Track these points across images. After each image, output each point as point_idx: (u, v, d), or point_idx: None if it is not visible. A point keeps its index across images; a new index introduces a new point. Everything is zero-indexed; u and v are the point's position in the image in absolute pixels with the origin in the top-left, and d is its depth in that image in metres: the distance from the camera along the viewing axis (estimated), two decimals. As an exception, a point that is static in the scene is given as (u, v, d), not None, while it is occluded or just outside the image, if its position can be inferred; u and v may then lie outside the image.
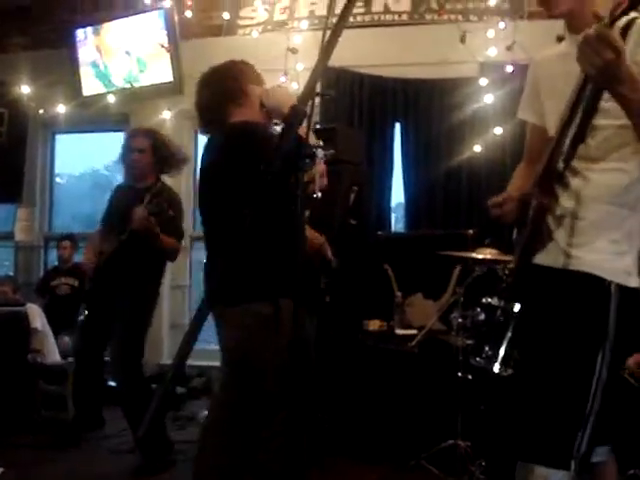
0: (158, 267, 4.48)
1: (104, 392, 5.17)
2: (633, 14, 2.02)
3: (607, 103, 1.94)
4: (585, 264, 2.04)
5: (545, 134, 2.30)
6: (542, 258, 2.15)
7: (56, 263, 6.35)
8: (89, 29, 6.43)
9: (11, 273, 6.84)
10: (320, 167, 3.21)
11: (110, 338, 4.38)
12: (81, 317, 4.68)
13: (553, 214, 2.11)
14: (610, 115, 1.96)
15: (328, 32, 1.53)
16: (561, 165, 2.07)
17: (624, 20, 1.88)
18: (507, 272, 2.36)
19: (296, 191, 1.30)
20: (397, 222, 6.15)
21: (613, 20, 1.75)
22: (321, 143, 1.31)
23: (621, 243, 2.05)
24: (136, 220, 4.13)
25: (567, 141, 2.04)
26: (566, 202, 2.10)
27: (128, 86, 6.31)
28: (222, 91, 2.91)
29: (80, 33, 6.45)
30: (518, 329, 2.32)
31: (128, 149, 4.47)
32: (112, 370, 4.44)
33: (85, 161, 11.85)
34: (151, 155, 4.46)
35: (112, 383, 5.12)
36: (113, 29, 6.35)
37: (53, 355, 5.44)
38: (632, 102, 1.83)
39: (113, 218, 4.47)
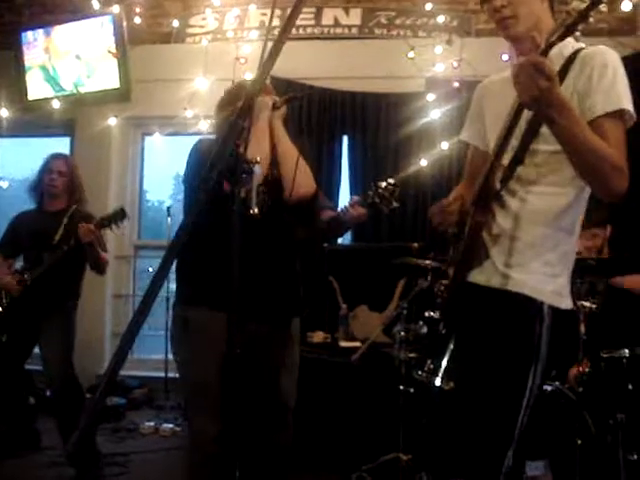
0: (81, 280, 4.56)
1: (38, 403, 5.12)
2: (578, 44, 2.08)
3: (546, 128, 1.97)
4: (519, 284, 2.07)
5: (486, 157, 2.33)
6: (477, 276, 2.17)
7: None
8: (39, 31, 6.31)
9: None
10: (358, 211, 3.39)
11: (30, 351, 4.45)
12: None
13: (490, 233, 2.13)
14: (549, 140, 2.00)
15: (269, 44, 1.50)
16: (498, 185, 2.10)
17: (570, 49, 1.92)
18: (442, 288, 2.38)
19: (232, 207, 1.29)
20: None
21: (549, 46, 1.79)
22: (259, 159, 1.30)
23: (555, 265, 2.09)
24: (85, 232, 4.16)
25: (504, 162, 2.08)
26: (503, 222, 2.12)
27: (75, 91, 6.21)
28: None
29: (28, 35, 6.34)
30: (456, 345, 2.34)
31: (48, 171, 4.50)
32: (50, 382, 4.41)
33: (27, 165, 11.64)
34: (69, 180, 4.52)
35: (48, 393, 5.07)
36: (61, 32, 6.25)
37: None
38: (562, 128, 1.87)
39: (23, 242, 4.49)
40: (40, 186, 4.52)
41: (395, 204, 3.46)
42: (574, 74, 2.00)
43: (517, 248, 2.10)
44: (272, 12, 1.43)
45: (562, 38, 1.78)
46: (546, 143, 2.02)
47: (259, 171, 1.34)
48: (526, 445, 2.08)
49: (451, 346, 3.54)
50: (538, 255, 2.08)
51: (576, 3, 1.78)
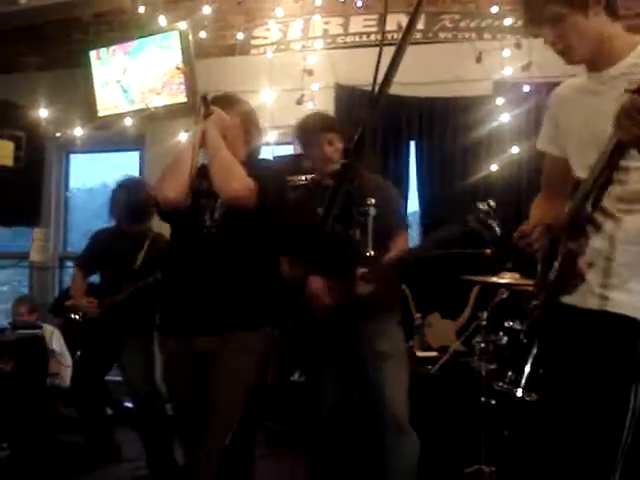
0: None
1: (115, 417, 5.22)
2: None
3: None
4: (617, 305, 2.04)
5: (565, 164, 2.31)
6: (572, 299, 2.15)
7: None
8: (106, 49, 6.45)
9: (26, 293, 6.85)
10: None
11: (110, 366, 4.63)
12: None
13: (584, 257, 2.11)
14: (637, 157, 1.95)
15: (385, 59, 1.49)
16: (589, 209, 2.06)
17: None
18: (532, 307, 2.36)
19: (349, 248, 1.30)
20: (411, 240, 6.12)
21: None
22: (373, 201, 1.30)
23: None
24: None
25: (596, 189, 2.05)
26: (597, 243, 2.09)
27: (143, 106, 6.32)
28: None
29: (96, 53, 6.47)
30: (551, 365, 2.32)
31: (123, 194, 4.58)
32: (134, 398, 4.51)
33: (96, 176, 11.90)
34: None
35: (128, 404, 5.18)
36: (129, 49, 6.37)
37: (70, 376, 5.44)
38: None
39: (102, 260, 4.57)
40: (116, 205, 4.59)
41: (497, 229, 3.22)
42: None
43: (613, 269, 2.06)
44: (384, 19, 1.42)
45: None
46: (635, 160, 1.98)
47: (373, 212, 1.34)
48: (631, 467, 2.04)
49: (532, 357, 3.53)
50: (635, 274, 2.04)
51: None
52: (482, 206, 3.19)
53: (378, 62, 1.55)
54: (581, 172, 2.17)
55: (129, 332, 4.42)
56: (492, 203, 3.21)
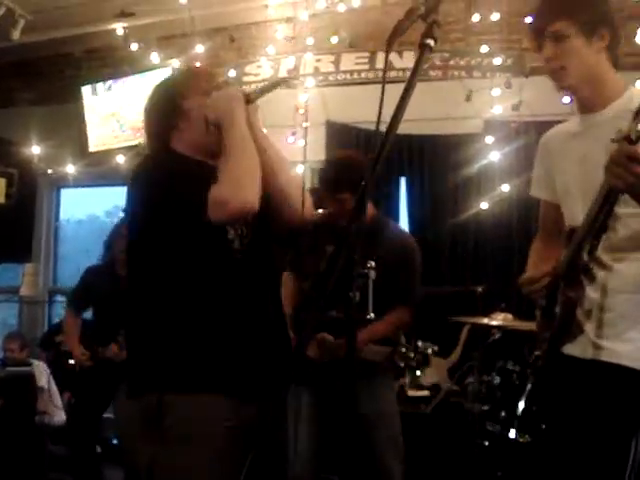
0: None
1: (104, 452, 5.19)
2: None
3: None
4: (615, 355, 2.05)
5: (558, 209, 2.33)
6: (571, 349, 2.17)
7: (58, 319, 6.36)
8: (99, 85, 6.48)
9: (15, 328, 6.82)
10: None
11: (103, 409, 4.65)
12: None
13: (581, 307, 2.13)
14: (629, 203, 1.98)
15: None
16: (585, 257, 2.08)
17: (637, 101, 1.91)
18: (534, 357, 2.38)
19: (347, 310, 1.31)
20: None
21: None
22: (373, 264, 1.30)
23: None
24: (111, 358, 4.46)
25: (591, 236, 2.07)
26: (592, 294, 2.11)
27: (135, 142, 6.33)
28: (159, 116, 2.36)
29: (88, 89, 6.50)
30: (552, 415, 2.33)
31: (119, 235, 4.56)
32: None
33: (85, 208, 11.89)
34: None
35: (115, 441, 5.16)
36: (121, 86, 6.39)
37: (59, 414, 5.40)
38: None
39: (95, 301, 4.65)
40: (110, 248, 4.61)
41: None
42: None
43: (610, 319, 2.08)
44: (387, 56, 1.41)
45: None
46: (627, 206, 2.00)
47: (373, 276, 1.36)
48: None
49: (524, 399, 3.54)
50: (632, 324, 2.06)
51: None
52: None
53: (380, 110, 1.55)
54: (572, 219, 2.20)
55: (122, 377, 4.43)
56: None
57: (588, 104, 2.18)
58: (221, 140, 2.17)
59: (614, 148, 1.82)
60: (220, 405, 2.02)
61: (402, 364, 4.56)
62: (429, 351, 4.70)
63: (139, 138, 6.27)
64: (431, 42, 1.55)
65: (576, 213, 2.16)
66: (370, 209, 3.44)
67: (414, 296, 3.50)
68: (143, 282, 2.22)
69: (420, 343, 4.70)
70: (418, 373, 4.74)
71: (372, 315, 1.43)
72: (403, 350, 4.69)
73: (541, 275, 2.26)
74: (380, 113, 1.62)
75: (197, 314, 2.08)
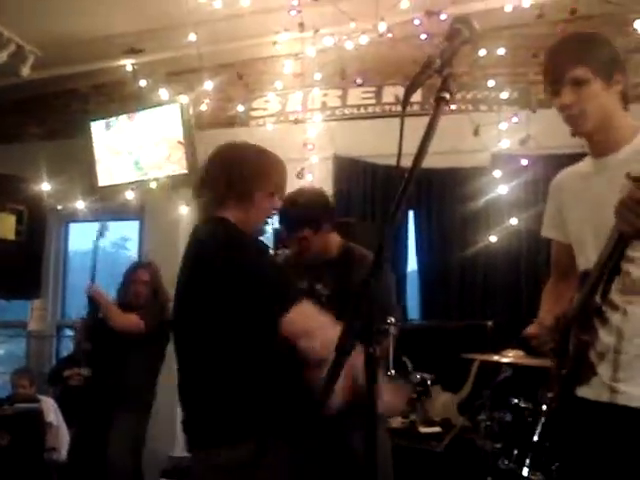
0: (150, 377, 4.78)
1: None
2: None
3: None
4: (632, 399, 2.05)
5: (570, 250, 2.34)
6: (586, 392, 2.17)
7: (66, 352, 6.35)
8: (107, 121, 6.55)
9: (22, 362, 6.82)
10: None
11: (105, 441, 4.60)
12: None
13: (594, 349, 2.12)
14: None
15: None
16: (598, 300, 2.08)
17: None
18: (548, 399, 2.38)
19: (370, 366, 1.31)
20: (412, 311, 6.12)
21: None
22: (393, 320, 1.31)
23: None
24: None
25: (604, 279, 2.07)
26: (606, 337, 2.11)
27: (144, 178, 6.37)
28: (228, 185, 2.47)
29: (97, 125, 6.56)
30: (566, 458, 2.32)
31: (132, 282, 4.90)
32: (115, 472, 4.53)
33: (91, 240, 11.93)
34: (153, 287, 4.89)
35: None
36: (129, 121, 6.45)
37: (66, 450, 5.38)
38: None
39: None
40: (126, 294, 4.70)
41: None
42: None
43: (624, 362, 2.08)
44: (408, 94, 1.44)
45: None
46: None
47: (393, 331, 1.36)
48: None
49: (537, 437, 3.52)
50: None
51: None
52: None
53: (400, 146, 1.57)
54: (586, 262, 2.20)
55: (118, 410, 4.45)
56: None
57: (601, 148, 2.20)
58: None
59: (625, 191, 1.82)
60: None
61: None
62: (428, 382, 4.68)
63: (148, 173, 6.32)
64: (447, 95, 1.56)
65: (589, 256, 2.16)
66: (335, 238, 3.48)
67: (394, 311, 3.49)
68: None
69: (418, 375, 4.68)
70: (427, 407, 4.71)
71: (393, 372, 1.43)
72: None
73: (544, 330, 2.27)
74: (400, 155, 1.64)
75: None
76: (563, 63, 2.14)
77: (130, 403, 4.54)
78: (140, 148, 6.39)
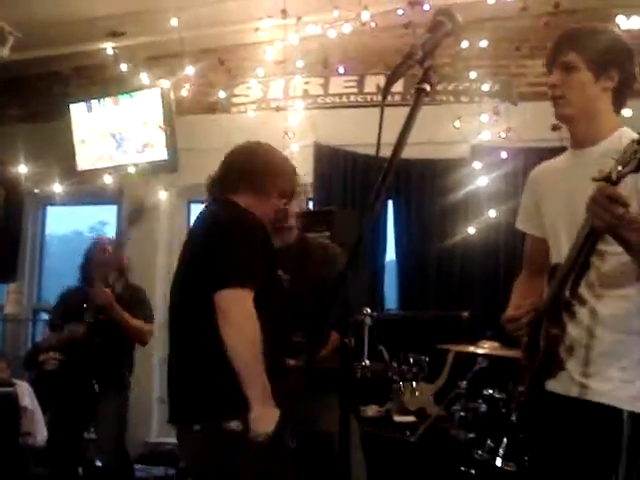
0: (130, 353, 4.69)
1: (86, 474, 5.14)
2: (633, 135, 2.08)
3: None
4: (597, 394, 2.07)
5: (545, 245, 2.35)
6: (554, 385, 2.19)
7: (42, 336, 6.31)
8: (87, 104, 6.50)
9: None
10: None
11: (86, 422, 4.58)
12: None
13: (564, 343, 2.14)
14: (613, 242, 1.99)
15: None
16: (568, 294, 2.10)
17: (625, 141, 1.92)
18: (518, 393, 2.40)
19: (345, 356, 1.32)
20: (389, 300, 6.14)
21: (620, 177, 1.79)
22: (369, 310, 1.32)
23: (630, 370, 2.08)
24: (99, 294, 4.34)
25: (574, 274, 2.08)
26: (574, 331, 2.13)
27: (122, 162, 6.33)
28: (244, 170, 2.68)
29: (77, 108, 6.50)
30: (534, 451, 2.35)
31: (95, 253, 4.73)
32: (102, 457, 4.49)
33: (69, 225, 11.90)
34: (116, 261, 4.65)
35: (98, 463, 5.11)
36: (109, 105, 6.41)
37: (42, 434, 5.34)
38: (633, 244, 1.91)
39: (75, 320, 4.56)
40: (86, 268, 4.64)
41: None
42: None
43: (591, 357, 2.10)
44: (388, 84, 1.44)
45: (636, 171, 1.79)
46: (610, 244, 2.02)
47: (369, 322, 1.36)
48: None
49: (511, 426, 3.55)
50: (612, 362, 2.08)
51: None
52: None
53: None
54: (558, 255, 2.21)
55: (103, 390, 4.41)
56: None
57: (580, 139, 2.21)
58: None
59: (594, 188, 1.84)
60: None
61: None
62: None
63: (132, 159, 6.28)
64: (427, 87, 1.57)
65: (561, 249, 2.18)
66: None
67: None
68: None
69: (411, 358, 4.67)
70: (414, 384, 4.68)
71: (367, 362, 1.43)
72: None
73: (522, 314, 2.27)
74: (379, 144, 1.66)
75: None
76: (560, 46, 2.20)
77: (113, 383, 4.49)
78: (119, 132, 6.35)
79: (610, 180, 1.79)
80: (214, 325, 2.35)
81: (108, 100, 6.38)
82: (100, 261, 4.64)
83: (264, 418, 2.24)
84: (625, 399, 2.05)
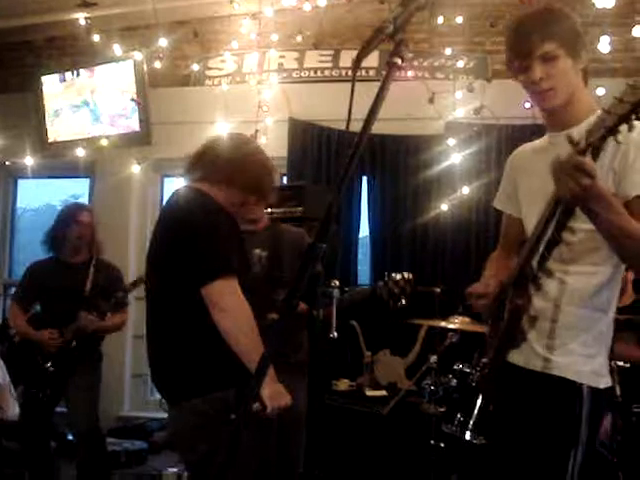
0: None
1: (59, 447, 5.13)
2: None
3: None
4: (558, 367, 2.09)
5: (521, 225, 2.36)
6: (516, 357, 2.21)
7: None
8: (59, 75, 6.40)
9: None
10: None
11: (58, 401, 4.53)
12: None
13: (527, 315, 2.16)
14: (585, 219, 2.00)
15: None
16: (535, 266, 2.12)
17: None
18: (482, 364, 2.42)
19: (313, 329, 1.32)
20: (362, 275, 6.16)
21: (588, 145, 1.79)
22: (337, 283, 1.33)
23: (592, 345, 2.11)
24: (84, 319, 4.34)
25: (542, 245, 2.10)
26: (539, 303, 2.15)
27: (95, 134, 6.27)
28: (232, 170, 2.71)
29: (49, 79, 6.41)
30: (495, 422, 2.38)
31: (75, 223, 4.55)
32: (75, 431, 4.48)
33: (42, 198, 11.74)
34: (92, 232, 4.60)
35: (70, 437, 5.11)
36: (82, 76, 6.32)
37: (13, 408, 5.30)
38: (600, 218, 1.90)
39: (48, 296, 4.53)
40: (61, 237, 4.56)
41: (403, 302, 3.24)
42: (610, 151, 1.98)
43: (555, 330, 2.12)
44: (359, 58, 1.44)
45: (603, 140, 1.79)
46: (583, 222, 2.03)
47: (337, 294, 1.37)
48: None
49: (480, 400, 3.59)
50: (575, 336, 2.11)
51: (614, 102, 1.78)
52: (396, 276, 3.23)
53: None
54: (530, 231, 2.23)
55: (79, 362, 4.39)
56: (407, 275, 3.24)
57: (561, 123, 2.19)
58: None
59: (564, 154, 1.83)
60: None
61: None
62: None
63: (105, 131, 6.22)
64: (398, 61, 1.56)
65: (533, 224, 2.19)
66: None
67: None
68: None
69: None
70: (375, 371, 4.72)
71: (335, 334, 1.44)
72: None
73: (487, 291, 2.29)
74: (349, 119, 1.67)
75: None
76: (532, 38, 2.10)
77: (86, 357, 4.46)
78: (92, 104, 6.28)
79: (578, 149, 1.79)
80: (200, 302, 2.45)
81: (80, 72, 6.29)
82: (77, 232, 4.55)
83: (277, 394, 2.37)
84: (586, 374, 2.08)
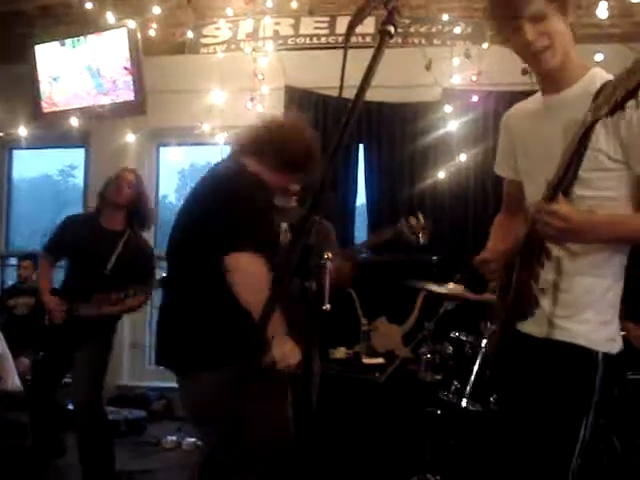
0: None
1: (63, 417, 5.14)
2: (606, 76, 2.03)
3: (586, 174, 1.95)
4: (571, 335, 2.07)
5: (521, 186, 2.34)
6: (529, 327, 2.18)
7: (11, 282, 6.27)
8: (53, 44, 6.32)
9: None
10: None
11: (65, 371, 4.40)
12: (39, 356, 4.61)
13: (538, 284, 2.14)
14: (591, 186, 1.98)
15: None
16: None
17: (597, 84, 1.88)
18: (490, 333, 2.40)
19: (306, 299, 1.32)
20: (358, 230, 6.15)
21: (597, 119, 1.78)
22: (330, 255, 1.33)
23: (605, 313, 2.09)
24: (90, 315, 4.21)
25: None
26: (549, 274, 2.12)
27: (89, 104, 6.22)
28: (280, 148, 2.79)
29: (42, 48, 6.34)
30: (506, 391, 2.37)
31: (115, 178, 4.36)
32: (76, 401, 4.45)
33: (38, 168, 11.74)
34: (135, 195, 4.38)
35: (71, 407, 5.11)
36: (75, 45, 6.24)
37: (12, 379, 5.33)
38: (612, 239, 2.00)
39: (73, 251, 4.38)
40: (102, 195, 4.39)
41: (421, 240, 3.57)
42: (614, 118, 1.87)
43: (567, 299, 2.09)
44: (352, 25, 1.44)
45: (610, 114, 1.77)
46: (589, 189, 2.01)
47: (329, 266, 1.37)
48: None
49: (476, 367, 3.60)
50: (589, 304, 2.08)
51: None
52: (412, 220, 3.60)
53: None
54: (533, 198, 2.20)
55: (90, 332, 4.32)
56: (421, 218, 3.62)
57: (555, 85, 2.14)
58: None
59: (571, 135, 1.82)
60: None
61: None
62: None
63: (99, 100, 6.17)
64: (391, 29, 1.54)
65: (537, 193, 2.16)
66: None
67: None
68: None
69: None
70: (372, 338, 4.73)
71: (328, 306, 1.44)
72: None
73: (496, 257, 2.27)
74: (342, 87, 1.64)
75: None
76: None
77: (96, 327, 4.39)
78: (86, 73, 6.22)
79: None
80: (222, 274, 2.47)
81: (74, 41, 6.21)
82: (116, 186, 4.31)
83: (285, 355, 2.42)
84: (601, 340, 2.06)
